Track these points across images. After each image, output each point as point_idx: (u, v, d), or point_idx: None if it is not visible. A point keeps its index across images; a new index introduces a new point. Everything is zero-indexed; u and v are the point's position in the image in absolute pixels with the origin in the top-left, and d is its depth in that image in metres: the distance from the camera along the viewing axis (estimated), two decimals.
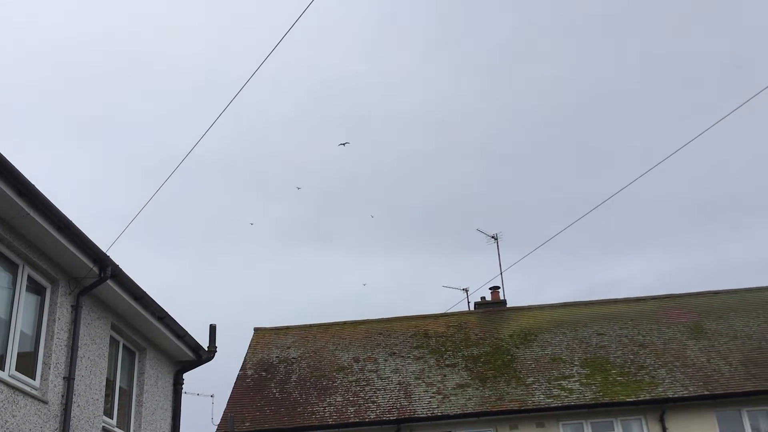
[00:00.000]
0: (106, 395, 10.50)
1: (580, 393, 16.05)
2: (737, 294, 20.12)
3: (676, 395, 15.61)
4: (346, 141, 22.03)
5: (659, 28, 46.41)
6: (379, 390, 17.02)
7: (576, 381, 16.52)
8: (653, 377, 16.35)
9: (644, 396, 15.69)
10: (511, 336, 18.95)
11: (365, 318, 20.77)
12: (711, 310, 19.25)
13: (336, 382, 17.55)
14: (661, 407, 15.61)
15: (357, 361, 18.47)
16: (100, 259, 9.49)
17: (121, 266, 9.84)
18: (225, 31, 50.85)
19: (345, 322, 20.70)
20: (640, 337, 18.21)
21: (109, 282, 9.85)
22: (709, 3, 46.15)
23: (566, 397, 15.96)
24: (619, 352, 17.56)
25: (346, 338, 19.72)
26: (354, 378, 17.65)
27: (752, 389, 15.59)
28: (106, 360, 10.42)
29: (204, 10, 50.85)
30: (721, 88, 43.98)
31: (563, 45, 48.13)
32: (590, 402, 15.73)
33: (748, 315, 18.76)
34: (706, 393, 15.63)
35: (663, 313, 19.33)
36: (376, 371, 17.87)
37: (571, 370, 16.99)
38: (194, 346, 12.80)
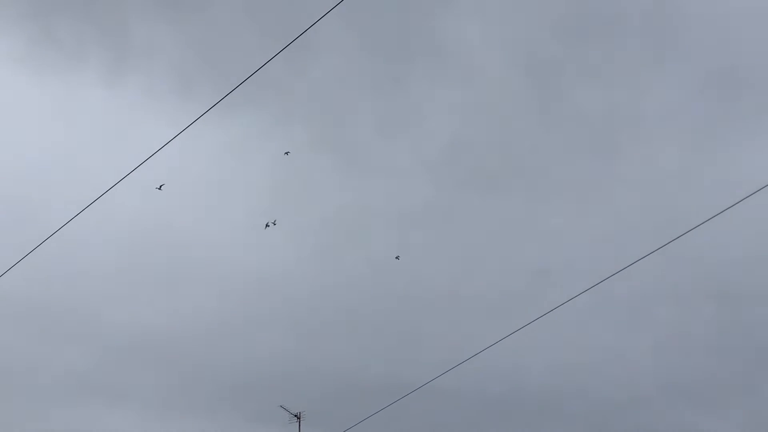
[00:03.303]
0: None
1: None
2: None
3: None
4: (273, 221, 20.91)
5: (477, 231, 49.77)
6: None
7: None
8: None
9: None
10: None
11: None
12: None
13: None
14: None
15: None
16: None
17: None
18: (50, 168, 48.91)
19: None
20: None
21: None
22: (522, 218, 50.41)
23: None
24: None
25: None
26: None
27: None
28: None
29: (29, 142, 48.97)
30: (532, 293, 47.04)
31: (391, 231, 50.33)
32: None
33: None
34: None
35: None
36: None
37: None
38: None
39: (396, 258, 31.67)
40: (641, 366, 46.06)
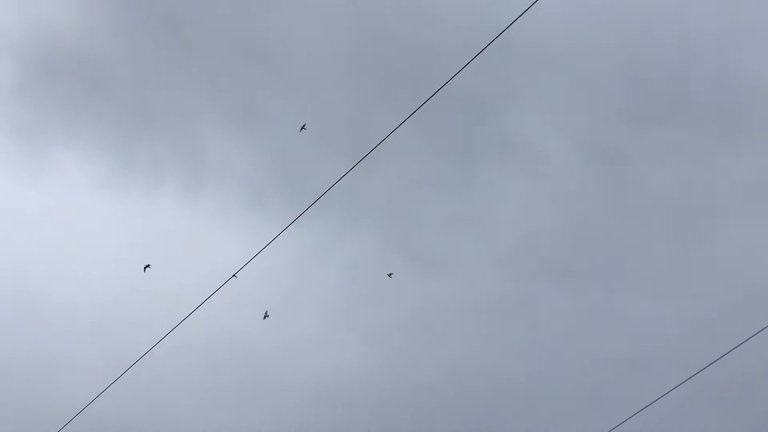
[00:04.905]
0: None
1: None
2: None
3: None
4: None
5: (556, 324, 48.52)
6: None
7: None
8: None
9: None
10: None
11: None
12: None
13: None
14: None
15: None
16: None
17: None
18: (134, 292, 50.28)
19: None
20: None
21: None
22: (603, 308, 48.95)
23: None
24: None
25: None
26: None
27: None
28: None
29: (106, 256, 50.70)
30: (622, 386, 45.07)
31: (465, 328, 49.42)
32: None
33: None
34: None
35: None
36: None
37: None
38: None
39: (389, 275, 30.07)
40: None
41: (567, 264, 50.53)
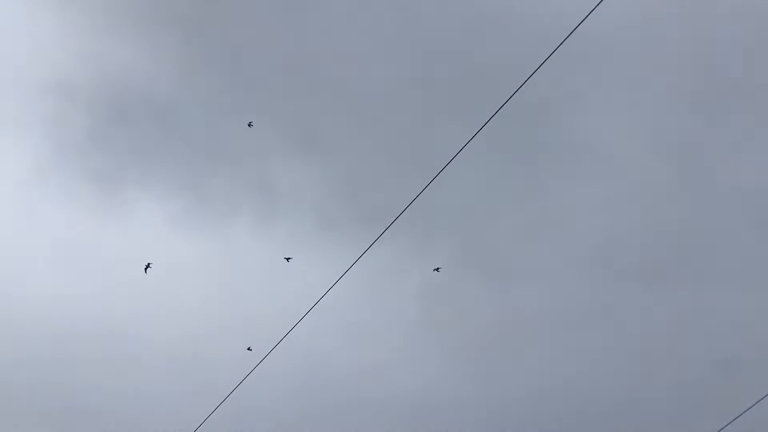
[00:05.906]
0: None
1: None
2: None
3: None
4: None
5: (644, 327, 47.24)
6: None
7: None
8: None
9: None
10: None
11: None
12: None
13: None
14: None
15: None
16: None
17: None
18: (213, 326, 51.10)
19: None
20: None
21: None
22: (692, 307, 47.44)
23: None
24: None
25: None
26: None
27: None
28: None
29: (194, 291, 51.72)
30: (719, 386, 43.47)
31: (551, 338, 48.52)
32: None
33: None
34: None
35: None
36: None
37: None
38: None
39: (436, 270, 29.78)
40: None
41: (650, 264, 49.09)
